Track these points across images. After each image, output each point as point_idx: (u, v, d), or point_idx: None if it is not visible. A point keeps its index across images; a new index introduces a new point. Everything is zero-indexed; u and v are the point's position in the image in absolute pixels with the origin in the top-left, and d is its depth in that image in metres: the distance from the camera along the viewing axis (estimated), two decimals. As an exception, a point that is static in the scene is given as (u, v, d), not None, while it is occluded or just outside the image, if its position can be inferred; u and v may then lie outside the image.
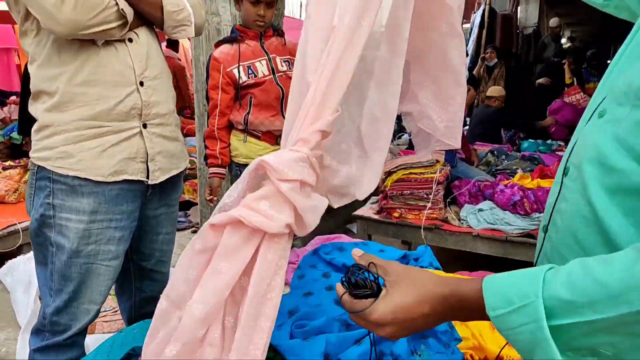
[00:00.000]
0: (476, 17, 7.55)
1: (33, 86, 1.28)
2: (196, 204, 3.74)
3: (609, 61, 8.69)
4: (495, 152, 3.71)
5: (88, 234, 1.29)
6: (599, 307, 0.52)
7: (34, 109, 1.29)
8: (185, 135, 5.47)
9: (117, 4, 1.22)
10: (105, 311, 2.08)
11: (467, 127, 5.11)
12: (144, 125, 1.34)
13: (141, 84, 1.32)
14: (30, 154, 1.30)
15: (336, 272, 1.70)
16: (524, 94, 6.69)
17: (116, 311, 2.05)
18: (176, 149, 1.46)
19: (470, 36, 7.71)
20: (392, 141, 4.79)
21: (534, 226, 2.80)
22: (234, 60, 2.02)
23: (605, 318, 0.52)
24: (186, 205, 4.00)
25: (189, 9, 1.38)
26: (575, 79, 6.06)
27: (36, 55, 1.26)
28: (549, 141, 4.78)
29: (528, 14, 10.38)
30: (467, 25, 8.53)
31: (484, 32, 7.17)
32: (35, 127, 1.29)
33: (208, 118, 2.12)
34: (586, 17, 11.13)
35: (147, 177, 1.36)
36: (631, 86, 0.65)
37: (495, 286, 0.59)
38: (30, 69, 1.28)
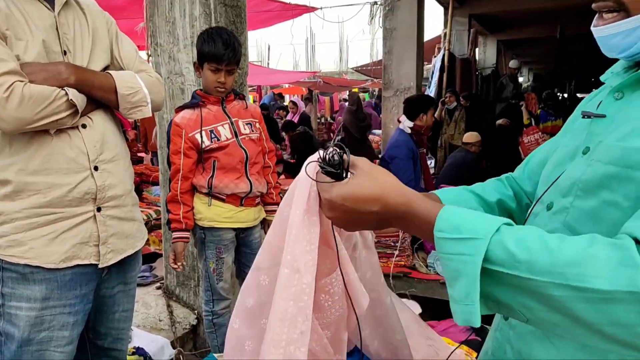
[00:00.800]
0: (437, 61, 7.86)
1: None
2: (161, 255, 3.67)
3: (562, 96, 9.11)
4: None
5: (40, 321, 1.25)
6: (536, 268, 0.55)
7: None
8: (152, 183, 5.42)
9: (66, 93, 1.22)
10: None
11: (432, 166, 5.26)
12: (98, 209, 1.33)
13: (95, 168, 1.32)
14: None
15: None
16: (487, 133, 6.95)
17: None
18: (132, 229, 1.45)
19: (431, 79, 8.01)
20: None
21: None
22: (196, 125, 2.05)
23: (536, 280, 0.54)
24: (151, 258, 3.91)
25: (144, 90, 1.39)
26: (532, 120, 6.33)
27: None
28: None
29: (486, 56, 10.92)
30: (429, 66, 8.89)
31: (445, 75, 7.46)
32: None
33: (169, 182, 2.11)
34: (542, 57, 11.76)
35: (99, 260, 1.35)
36: (573, 180, 0.73)
37: (451, 214, 0.62)
38: None
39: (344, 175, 0.68)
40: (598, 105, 0.77)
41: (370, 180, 0.66)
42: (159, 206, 3.61)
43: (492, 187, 0.95)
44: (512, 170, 1.00)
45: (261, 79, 10.03)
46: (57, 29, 1.28)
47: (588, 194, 0.70)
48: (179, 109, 2.13)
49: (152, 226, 4.25)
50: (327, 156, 0.70)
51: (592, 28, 0.73)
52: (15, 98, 1.14)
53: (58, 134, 1.26)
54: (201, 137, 2.05)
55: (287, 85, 14.24)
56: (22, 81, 1.16)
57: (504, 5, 8.09)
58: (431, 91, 7.69)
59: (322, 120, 13.47)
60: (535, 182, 0.89)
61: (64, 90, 1.23)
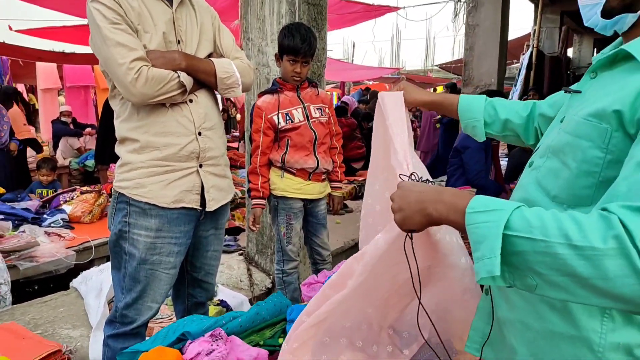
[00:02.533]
0: (524, 59, 7.65)
1: (119, 135, 1.68)
2: (244, 229, 4.11)
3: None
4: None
5: (154, 246, 1.65)
6: (547, 231, 0.67)
7: (119, 150, 1.68)
8: (239, 167, 5.96)
9: (178, 76, 1.58)
10: (162, 318, 2.44)
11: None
12: (200, 165, 1.70)
13: (199, 133, 1.68)
14: (114, 183, 1.69)
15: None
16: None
17: (171, 319, 2.41)
18: (225, 184, 1.80)
19: (518, 77, 7.82)
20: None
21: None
22: (274, 108, 2.40)
23: (547, 241, 0.67)
24: (236, 231, 4.37)
25: (237, 74, 1.73)
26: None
27: (121, 112, 1.66)
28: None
29: (581, 55, 10.34)
30: (517, 65, 8.64)
31: (532, 73, 7.26)
32: (118, 163, 1.68)
33: (251, 156, 2.49)
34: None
35: (202, 206, 1.71)
36: (547, 144, 0.94)
37: (483, 198, 0.76)
38: (116, 122, 1.69)
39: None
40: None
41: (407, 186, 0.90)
42: (244, 187, 4.04)
43: (511, 107, 1.20)
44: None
45: (344, 75, 10.36)
46: (173, 22, 1.64)
47: (553, 155, 0.90)
48: (261, 94, 2.49)
49: (237, 204, 4.74)
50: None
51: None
52: (142, 79, 1.51)
53: (172, 107, 1.63)
54: (278, 118, 2.39)
55: (370, 82, 14.43)
56: (147, 65, 1.53)
57: None
58: (517, 90, 7.51)
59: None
60: (550, 108, 1.14)
61: (177, 73, 1.59)
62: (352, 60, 12.54)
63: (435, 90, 16.91)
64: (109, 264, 2.88)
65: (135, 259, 1.65)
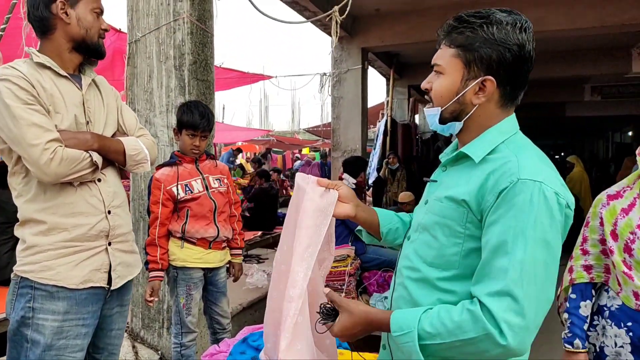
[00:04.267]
0: (381, 126, 8.62)
1: (21, 216, 1.60)
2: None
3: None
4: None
5: (61, 330, 1.56)
6: (443, 336, 0.97)
7: (21, 232, 1.59)
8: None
9: (90, 156, 1.60)
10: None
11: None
12: (109, 243, 1.69)
13: (109, 212, 1.68)
14: (15, 268, 1.58)
15: (262, 355, 2.04)
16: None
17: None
18: (132, 259, 1.80)
19: (376, 141, 8.74)
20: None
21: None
22: (173, 179, 2.45)
23: (446, 342, 0.97)
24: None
25: (145, 150, 1.80)
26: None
27: (24, 192, 1.59)
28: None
29: (426, 122, 11.92)
30: (374, 129, 9.67)
31: (387, 138, 8.20)
32: (21, 246, 1.59)
33: (149, 228, 2.47)
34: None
35: (109, 284, 1.69)
36: (418, 222, 1.19)
37: (396, 319, 1.03)
38: (17, 202, 1.61)
39: (335, 315, 1.12)
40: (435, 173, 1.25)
41: (348, 315, 1.08)
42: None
43: (408, 215, 1.42)
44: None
45: (216, 136, 10.48)
46: (83, 104, 1.67)
47: (425, 231, 1.14)
48: (159, 167, 2.52)
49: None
50: (323, 310, 1.14)
51: (424, 108, 1.23)
52: (57, 159, 1.50)
53: (81, 186, 1.62)
54: (177, 189, 2.44)
55: (240, 143, 14.73)
56: (61, 146, 1.53)
57: (438, 78, 9.04)
58: (376, 152, 8.39)
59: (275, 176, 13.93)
60: None
61: (89, 153, 1.60)
62: (223, 121, 12.78)
63: (300, 151, 17.79)
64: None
65: (39, 346, 1.54)
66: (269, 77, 7.31)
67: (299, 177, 1.25)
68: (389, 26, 6.27)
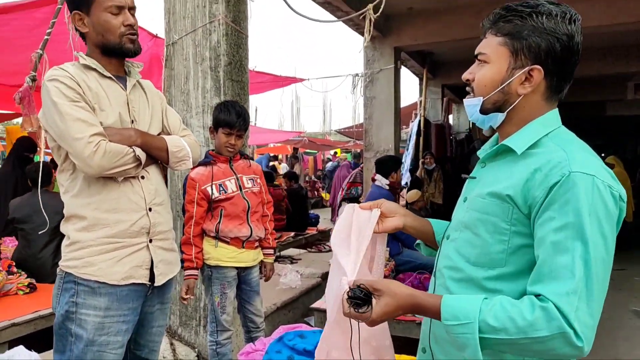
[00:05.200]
0: (414, 126, 8.50)
1: (67, 212, 1.65)
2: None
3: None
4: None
5: (102, 326, 1.60)
6: (509, 332, 0.92)
7: (65, 228, 1.65)
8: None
9: (134, 151, 1.64)
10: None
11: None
12: (150, 240, 1.71)
13: (150, 209, 1.71)
14: (60, 263, 1.63)
15: (298, 355, 2.03)
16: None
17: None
18: (172, 258, 1.82)
19: (409, 142, 8.63)
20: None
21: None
22: (208, 179, 2.47)
23: (510, 338, 0.92)
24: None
25: (187, 148, 1.82)
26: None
27: (70, 187, 1.65)
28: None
29: (460, 121, 11.70)
30: (407, 130, 9.56)
31: (421, 139, 8.09)
32: (65, 242, 1.64)
33: (184, 227, 2.50)
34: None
35: (151, 281, 1.71)
36: (459, 220, 1.16)
37: (449, 306, 0.98)
38: (64, 198, 1.66)
39: (369, 300, 1.01)
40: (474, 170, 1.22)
41: (391, 296, 1.01)
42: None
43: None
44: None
45: (250, 138, 10.62)
46: (127, 104, 1.72)
47: (466, 229, 1.11)
48: (194, 167, 2.56)
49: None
50: (352, 295, 1.02)
51: (464, 99, 1.18)
52: (100, 152, 1.54)
53: (124, 182, 1.66)
54: (211, 189, 2.46)
55: (272, 145, 14.85)
56: (105, 140, 1.57)
57: (473, 77, 8.87)
58: (409, 153, 8.28)
59: (307, 178, 13.99)
60: None
61: (132, 148, 1.64)
62: (255, 124, 12.95)
63: (336, 153, 17.76)
64: (15, 350, 2.62)
65: (82, 341, 1.58)
66: (302, 80, 7.33)
67: (346, 208, 1.26)
68: (422, 25, 6.18)
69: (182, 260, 2.48)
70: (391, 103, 6.55)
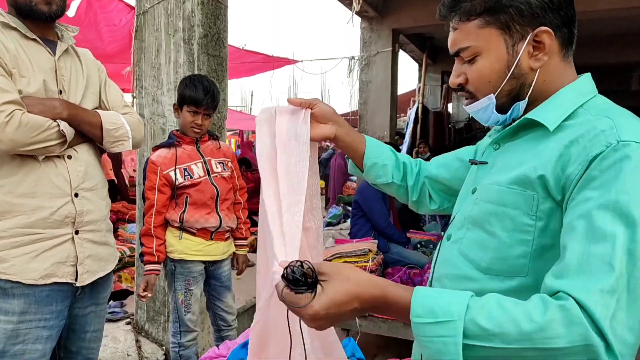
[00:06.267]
0: (411, 113, 8.24)
1: None
2: (133, 292, 3.70)
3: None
4: (422, 243, 3.99)
5: (16, 334, 1.34)
6: (508, 338, 0.65)
7: None
8: (128, 221, 5.46)
9: (58, 125, 1.38)
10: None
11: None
12: (76, 232, 1.45)
13: (76, 195, 1.45)
14: None
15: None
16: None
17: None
18: (105, 253, 1.56)
19: (406, 130, 8.36)
20: (336, 225, 4.93)
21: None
22: (171, 163, 2.20)
23: (510, 348, 0.65)
24: (123, 294, 3.92)
25: (127, 126, 1.56)
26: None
27: None
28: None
29: (459, 110, 11.42)
30: (405, 118, 9.28)
31: (418, 127, 7.81)
32: None
33: (144, 217, 2.23)
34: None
35: (76, 279, 1.45)
36: (464, 216, 0.90)
37: (423, 297, 0.70)
38: None
39: (313, 284, 0.71)
40: (483, 153, 0.96)
41: (344, 281, 0.72)
42: (134, 243, 3.67)
43: (406, 156, 1.16)
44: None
45: (243, 124, 10.30)
46: (55, 71, 1.45)
47: (475, 226, 0.87)
48: (156, 148, 2.28)
49: (125, 263, 4.28)
50: (291, 276, 0.71)
51: (464, 106, 0.94)
52: (14, 123, 1.28)
53: (45, 162, 1.39)
54: (175, 174, 2.19)
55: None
56: (21, 110, 1.31)
57: (474, 64, 8.58)
58: (406, 141, 8.02)
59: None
60: (439, 169, 1.13)
61: (57, 122, 1.38)
62: (251, 110, 12.58)
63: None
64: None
65: None
66: (295, 62, 7.00)
67: (260, 112, 1.02)
68: (423, 5, 5.85)
69: (142, 254, 2.22)
70: (388, 88, 6.26)
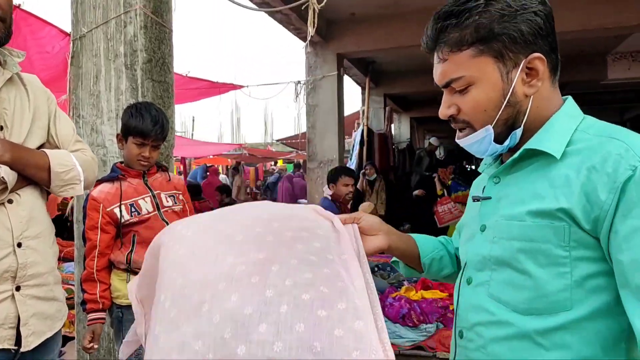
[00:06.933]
0: (357, 135, 8.32)
1: None
2: (72, 338, 3.36)
3: (471, 168, 10.01)
4: (380, 266, 3.94)
5: None
6: None
7: None
8: (64, 259, 5.03)
9: None
10: None
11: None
12: (17, 288, 1.26)
13: (19, 245, 1.26)
14: None
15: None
16: (404, 202, 7.37)
17: None
18: (52, 309, 1.37)
19: (352, 152, 8.43)
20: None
21: (423, 337, 2.94)
22: (115, 199, 2.00)
23: None
24: (62, 341, 3.57)
25: (78, 167, 1.39)
26: (445, 191, 6.80)
27: None
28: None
29: (401, 131, 11.75)
30: (350, 140, 9.37)
31: (364, 148, 7.89)
32: None
33: (84, 260, 2.01)
34: (452, 132, 12.96)
35: (17, 344, 1.25)
36: (483, 256, 0.86)
37: None
38: None
39: None
40: (483, 190, 0.92)
41: None
42: (72, 284, 3.35)
43: (449, 240, 1.11)
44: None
45: (185, 150, 9.96)
46: None
47: (502, 266, 0.82)
48: (98, 183, 2.08)
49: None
50: None
51: (456, 140, 0.90)
52: None
53: None
54: (120, 211, 1.99)
55: (211, 156, 14.22)
56: None
57: (413, 87, 8.91)
58: (352, 163, 8.06)
59: (248, 190, 13.51)
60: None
61: None
62: (192, 135, 12.25)
63: (276, 163, 17.43)
64: None
65: None
66: (240, 87, 6.88)
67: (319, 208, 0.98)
68: (366, 31, 5.97)
69: (84, 302, 1.99)
70: (335, 111, 6.29)
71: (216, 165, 13.37)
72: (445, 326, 2.99)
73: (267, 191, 12.10)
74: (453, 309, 2.97)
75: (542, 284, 0.78)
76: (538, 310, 0.78)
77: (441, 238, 1.13)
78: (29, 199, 1.33)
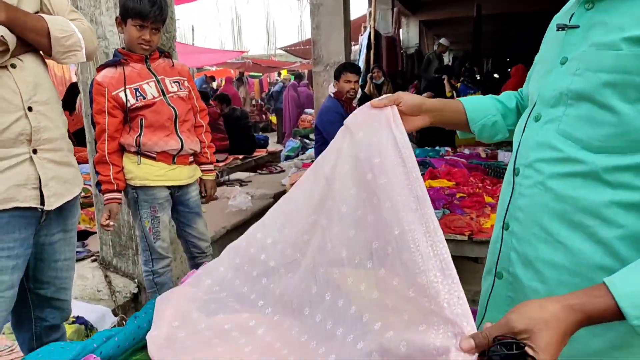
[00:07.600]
0: (364, 39, 8.05)
1: None
2: (93, 233, 3.56)
3: (477, 76, 9.77)
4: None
5: None
6: None
7: None
8: (78, 162, 5.17)
9: None
10: (-1, 351, 1.94)
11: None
12: (34, 151, 1.31)
13: (29, 109, 1.29)
14: None
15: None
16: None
17: (12, 349, 1.92)
18: (70, 174, 1.44)
19: (359, 57, 8.21)
20: (295, 158, 4.93)
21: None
22: (119, 83, 2.02)
23: None
24: (83, 235, 3.77)
25: (79, 34, 1.38)
26: (454, 92, 6.70)
27: None
28: (437, 147, 5.26)
29: (409, 36, 11.29)
30: (356, 47, 9.09)
31: (371, 52, 7.67)
32: None
33: (95, 143, 2.08)
34: (461, 37, 12.41)
35: (42, 204, 1.33)
36: (560, 91, 0.81)
37: (631, 297, 0.62)
38: None
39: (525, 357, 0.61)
40: (570, 18, 0.83)
41: (545, 329, 0.62)
42: (88, 184, 3.48)
43: (510, 95, 1.07)
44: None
45: (186, 59, 9.74)
46: None
47: (580, 101, 0.78)
48: (100, 68, 2.08)
49: (82, 204, 4.08)
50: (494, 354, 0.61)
51: None
52: None
53: None
54: (125, 95, 2.02)
55: (214, 68, 13.92)
56: None
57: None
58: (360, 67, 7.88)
59: (253, 102, 13.39)
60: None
61: None
62: (193, 44, 11.89)
63: (280, 74, 17.11)
64: None
65: None
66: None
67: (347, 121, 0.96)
68: None
69: (99, 183, 2.09)
70: (340, 10, 6.00)
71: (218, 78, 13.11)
72: (452, 212, 3.10)
73: (271, 100, 11.97)
74: (459, 197, 3.10)
75: (627, 120, 0.72)
76: (614, 149, 0.74)
77: (503, 96, 1.06)
78: (32, 65, 1.34)
